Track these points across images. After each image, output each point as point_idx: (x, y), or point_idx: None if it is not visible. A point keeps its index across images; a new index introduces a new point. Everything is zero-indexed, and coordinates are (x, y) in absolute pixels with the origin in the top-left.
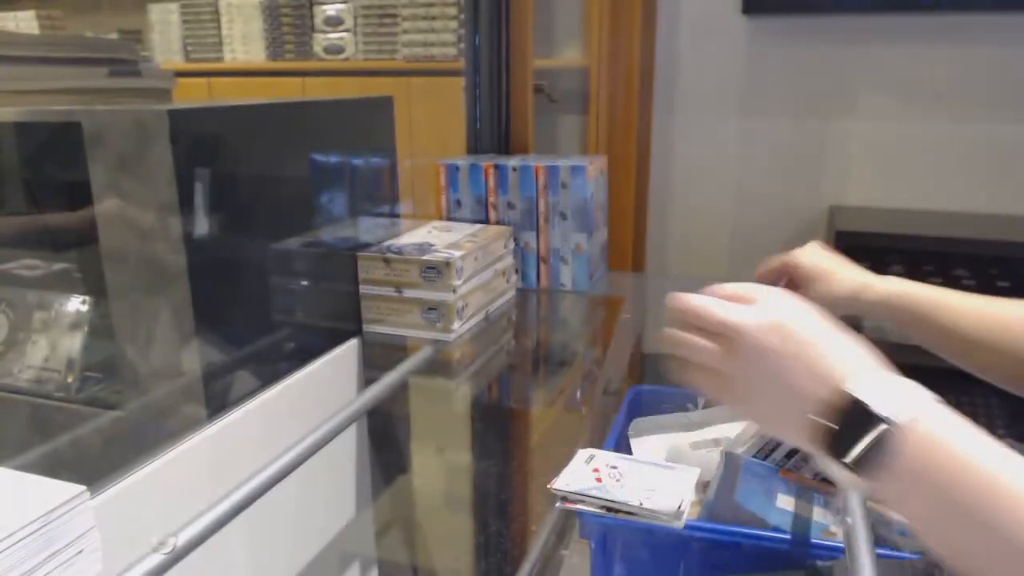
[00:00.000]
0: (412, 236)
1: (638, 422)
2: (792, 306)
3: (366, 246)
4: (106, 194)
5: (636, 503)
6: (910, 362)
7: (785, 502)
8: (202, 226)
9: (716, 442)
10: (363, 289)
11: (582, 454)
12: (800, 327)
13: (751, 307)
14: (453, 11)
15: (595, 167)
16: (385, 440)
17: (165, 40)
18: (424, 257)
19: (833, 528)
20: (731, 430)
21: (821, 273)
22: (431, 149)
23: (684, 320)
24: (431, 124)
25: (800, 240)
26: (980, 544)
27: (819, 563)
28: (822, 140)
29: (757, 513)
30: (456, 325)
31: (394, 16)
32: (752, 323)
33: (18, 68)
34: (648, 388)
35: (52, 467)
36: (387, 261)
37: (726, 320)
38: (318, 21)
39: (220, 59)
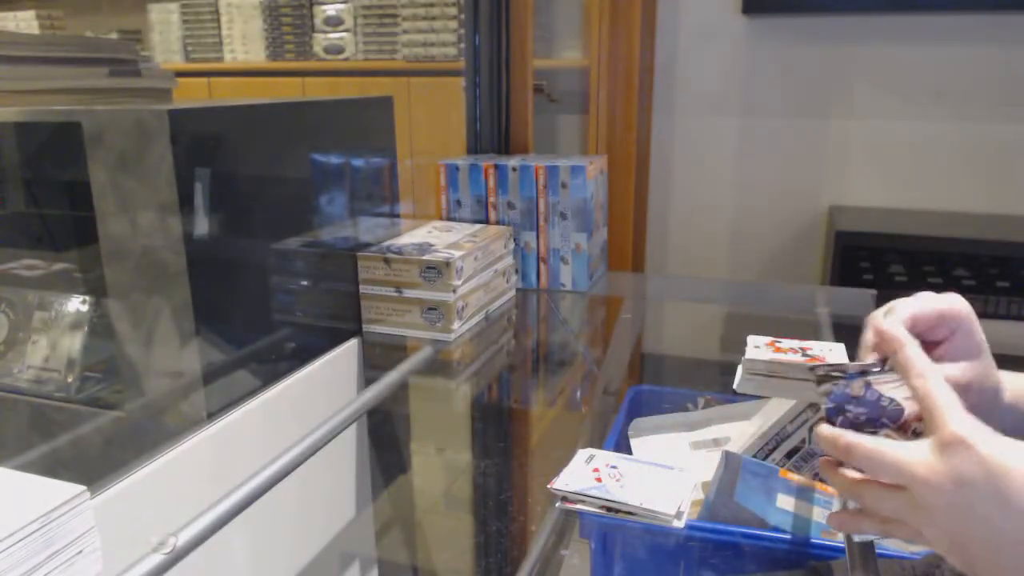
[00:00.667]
0: (412, 236)
1: (638, 422)
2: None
3: (366, 246)
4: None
5: (636, 503)
6: None
7: (785, 502)
8: (202, 226)
9: (716, 442)
10: (363, 289)
11: (582, 454)
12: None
13: (941, 455)
14: (453, 11)
15: (595, 167)
16: (385, 440)
17: (165, 40)
18: (424, 257)
19: (833, 528)
20: (731, 430)
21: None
22: (431, 149)
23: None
24: (431, 124)
25: (800, 240)
26: None
27: (819, 563)
28: (822, 140)
29: (757, 513)
30: (456, 325)
31: (394, 16)
32: (943, 481)
33: (18, 68)
34: (648, 388)
35: (52, 467)
36: (387, 261)
37: (906, 474)
38: (318, 21)
39: (220, 59)
